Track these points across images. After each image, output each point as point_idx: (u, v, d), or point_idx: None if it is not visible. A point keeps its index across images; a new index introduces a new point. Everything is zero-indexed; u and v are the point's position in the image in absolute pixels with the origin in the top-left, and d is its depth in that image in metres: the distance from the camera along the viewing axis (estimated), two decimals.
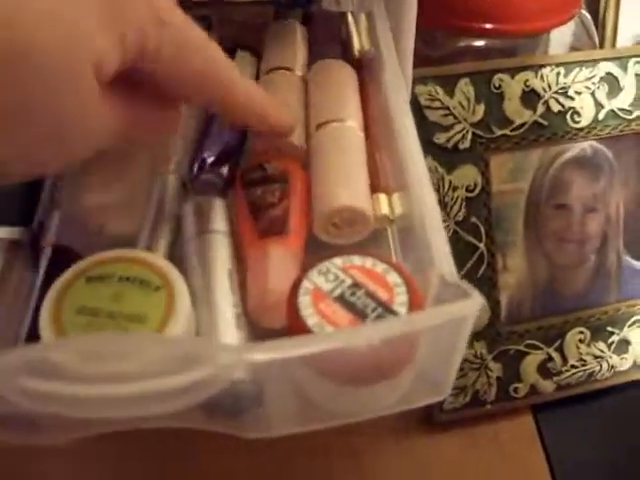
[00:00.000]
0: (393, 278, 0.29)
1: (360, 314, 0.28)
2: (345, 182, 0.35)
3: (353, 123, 0.38)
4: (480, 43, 0.60)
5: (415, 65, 0.50)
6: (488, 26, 0.57)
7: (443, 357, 0.29)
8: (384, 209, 0.36)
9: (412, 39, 0.43)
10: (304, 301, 0.28)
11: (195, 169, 0.38)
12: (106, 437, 0.30)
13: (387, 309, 0.28)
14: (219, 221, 0.35)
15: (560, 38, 0.66)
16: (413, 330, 0.26)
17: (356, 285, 0.28)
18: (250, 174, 0.36)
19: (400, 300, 0.28)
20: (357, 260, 0.29)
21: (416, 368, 0.29)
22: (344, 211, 0.34)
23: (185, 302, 0.31)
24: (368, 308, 0.28)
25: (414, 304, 0.28)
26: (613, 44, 0.63)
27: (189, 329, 0.31)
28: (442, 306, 0.26)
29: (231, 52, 0.45)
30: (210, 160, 0.37)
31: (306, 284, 0.29)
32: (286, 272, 0.32)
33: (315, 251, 0.34)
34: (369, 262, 0.29)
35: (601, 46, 0.63)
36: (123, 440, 0.50)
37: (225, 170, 0.37)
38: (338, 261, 0.29)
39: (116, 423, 0.29)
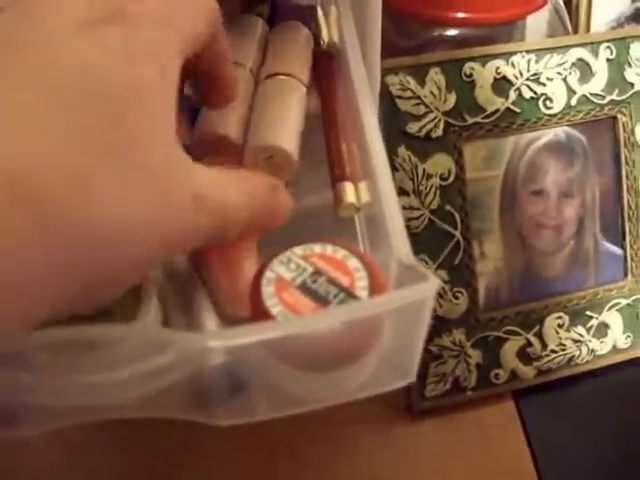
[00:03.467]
0: (353, 264, 0.29)
1: (322, 301, 0.28)
2: (276, 125, 0.36)
3: (297, 78, 0.39)
4: (454, 32, 0.61)
5: (390, 55, 0.50)
6: (461, 15, 0.57)
7: (406, 341, 0.29)
8: (350, 197, 0.36)
9: (378, 30, 0.43)
10: (267, 291, 0.28)
11: None
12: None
13: (349, 294, 0.28)
14: None
15: (535, 27, 0.66)
16: (371, 314, 0.26)
17: (317, 273, 0.29)
18: None
19: (361, 285, 0.28)
20: (317, 248, 0.30)
21: (380, 352, 0.29)
22: (270, 150, 0.35)
23: (152, 293, 0.31)
24: (330, 294, 0.28)
25: (375, 288, 0.28)
26: (587, 31, 0.64)
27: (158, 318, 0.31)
28: (400, 290, 0.27)
29: None
30: None
31: (268, 274, 0.29)
32: (250, 263, 0.32)
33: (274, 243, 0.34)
34: (329, 249, 0.29)
35: (575, 32, 0.64)
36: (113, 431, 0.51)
37: None
38: (299, 250, 0.29)
39: (93, 412, 0.29)
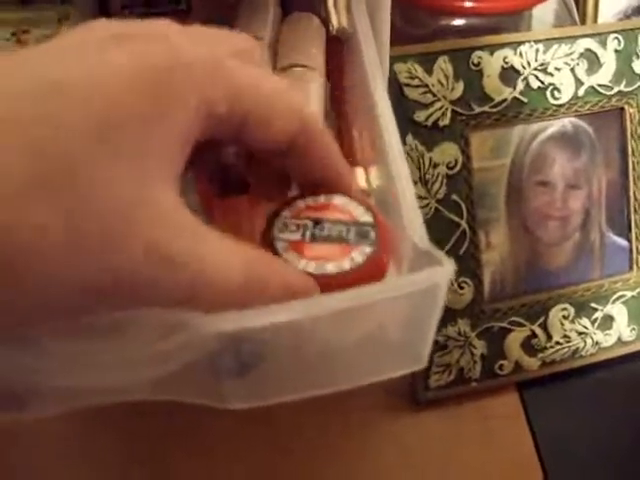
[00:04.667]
0: (339, 200, 0.29)
1: (340, 240, 0.28)
2: None
3: (316, 70, 0.39)
4: (462, 22, 0.61)
5: (398, 43, 0.50)
6: (468, 4, 0.57)
7: (419, 325, 0.29)
8: (361, 182, 0.36)
9: (388, 17, 0.43)
10: (289, 257, 0.28)
11: None
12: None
13: (357, 224, 0.28)
14: None
15: (542, 17, 0.66)
16: (387, 298, 0.26)
17: (317, 222, 0.29)
18: None
19: (359, 212, 0.28)
20: (300, 203, 0.29)
21: (393, 335, 0.29)
22: None
23: None
24: (343, 233, 0.28)
25: (373, 211, 0.28)
26: (594, 22, 0.64)
27: None
28: (415, 274, 0.26)
29: None
30: None
31: (279, 244, 0.29)
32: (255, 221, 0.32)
33: None
34: (310, 200, 0.29)
35: (582, 23, 0.63)
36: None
37: None
38: (287, 213, 0.29)
39: (104, 394, 0.29)
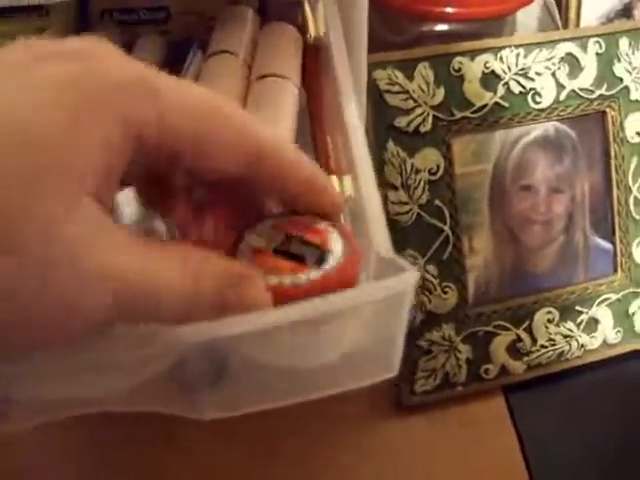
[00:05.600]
0: (322, 225, 0.29)
1: (299, 260, 0.28)
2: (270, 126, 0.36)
3: (290, 80, 0.39)
4: (444, 27, 0.61)
5: (379, 50, 0.50)
6: (450, 10, 0.57)
7: (386, 332, 0.29)
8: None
9: (364, 24, 0.43)
10: (243, 259, 0.29)
11: None
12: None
13: (323, 250, 0.28)
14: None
15: (525, 22, 0.66)
16: (353, 306, 0.26)
17: (288, 237, 0.29)
18: None
19: (333, 240, 0.28)
20: (284, 218, 0.30)
21: (362, 344, 0.29)
22: None
23: None
24: (305, 253, 0.28)
25: (348, 243, 0.28)
26: (577, 26, 0.64)
27: None
28: (379, 281, 0.27)
29: (189, 42, 0.46)
30: None
31: (241, 246, 0.29)
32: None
33: None
34: (296, 216, 0.30)
35: (565, 28, 0.64)
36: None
37: None
38: (267, 221, 0.30)
39: (79, 406, 0.29)
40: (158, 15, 0.47)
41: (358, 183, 0.31)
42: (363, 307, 0.27)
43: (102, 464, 0.53)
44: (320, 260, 0.29)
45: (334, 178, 0.37)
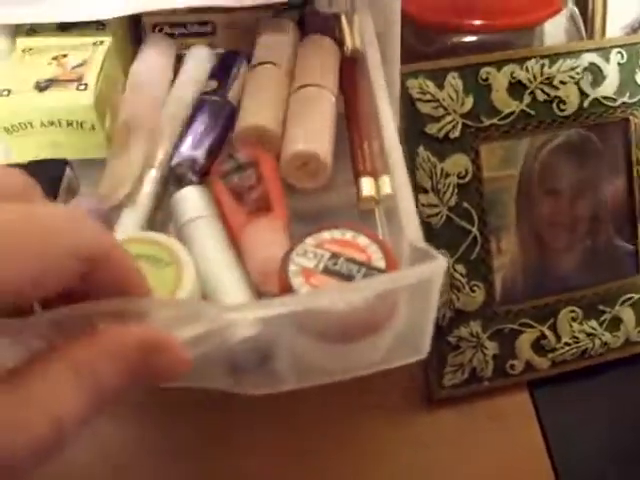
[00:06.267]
0: (363, 241, 0.32)
1: (347, 278, 0.31)
2: (311, 133, 0.39)
3: (327, 89, 0.42)
4: (473, 38, 0.64)
5: (409, 60, 0.53)
6: (477, 23, 0.60)
7: (417, 317, 0.32)
8: (370, 191, 0.40)
9: (398, 37, 0.46)
10: (297, 282, 0.32)
11: (173, 163, 0.42)
12: None
13: (369, 267, 0.31)
14: (206, 207, 0.39)
15: (552, 33, 0.69)
16: (387, 289, 0.29)
17: (334, 256, 0.32)
18: (223, 165, 0.40)
19: (376, 257, 0.31)
20: (326, 234, 0.33)
21: (395, 327, 0.32)
22: (301, 155, 0.39)
23: (191, 274, 0.34)
24: (353, 271, 0.31)
25: (389, 259, 0.31)
26: (602, 36, 0.66)
27: (195, 295, 0.34)
28: (413, 267, 0.30)
29: (234, 54, 0.49)
30: (186, 154, 0.41)
31: (292, 268, 0.32)
32: (279, 242, 0.35)
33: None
34: (337, 233, 0.33)
35: (590, 37, 0.66)
36: None
37: (200, 162, 0.41)
38: (310, 240, 0.33)
39: None
40: (205, 29, 0.51)
41: (393, 182, 0.35)
42: (399, 292, 0.30)
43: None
44: (367, 276, 0.32)
45: (368, 179, 0.40)
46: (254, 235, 0.36)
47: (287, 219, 0.38)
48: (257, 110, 0.43)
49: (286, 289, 0.31)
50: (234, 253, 0.37)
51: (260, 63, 0.47)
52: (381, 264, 0.31)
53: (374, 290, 0.29)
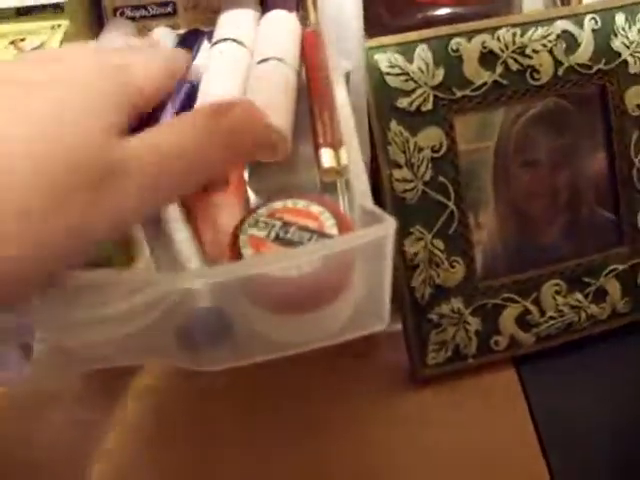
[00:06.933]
0: (315, 209, 0.31)
1: (298, 246, 0.30)
2: (266, 107, 0.38)
3: (286, 62, 0.42)
4: (448, 11, 0.63)
5: (381, 35, 0.53)
6: None
7: (373, 282, 0.31)
8: (331, 162, 0.39)
9: (358, 9, 0.45)
10: (247, 252, 0.31)
11: None
12: None
13: (320, 234, 0.30)
14: None
15: (530, 3, 0.68)
16: (335, 252, 0.28)
17: (286, 224, 0.31)
18: None
19: (329, 224, 0.31)
20: (279, 204, 0.32)
21: (352, 295, 0.31)
22: None
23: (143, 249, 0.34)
24: (304, 239, 0.31)
25: (342, 225, 0.30)
26: (580, 3, 0.65)
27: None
28: (361, 229, 0.29)
29: (195, 34, 0.48)
30: None
31: (242, 237, 0.31)
32: (234, 216, 0.34)
33: None
34: (290, 203, 0.32)
35: (569, 4, 0.65)
36: None
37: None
38: (262, 211, 0.32)
39: (85, 362, 0.32)
40: (166, 9, 0.50)
41: (348, 153, 0.34)
42: (351, 256, 0.29)
43: None
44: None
45: (329, 150, 0.39)
46: (209, 210, 0.36)
47: (244, 194, 0.38)
48: (218, 85, 0.43)
49: (236, 259, 0.31)
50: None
51: (221, 40, 0.46)
52: (334, 231, 0.31)
53: (319, 254, 0.28)
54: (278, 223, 0.31)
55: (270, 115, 0.39)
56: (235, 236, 0.31)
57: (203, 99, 0.42)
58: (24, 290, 0.25)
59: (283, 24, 0.47)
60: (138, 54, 0.34)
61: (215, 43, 0.46)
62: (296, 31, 0.47)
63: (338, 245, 0.28)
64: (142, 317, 0.28)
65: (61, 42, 0.45)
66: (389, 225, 0.28)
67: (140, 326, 0.29)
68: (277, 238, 0.31)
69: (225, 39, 0.46)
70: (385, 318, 0.33)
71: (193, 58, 0.46)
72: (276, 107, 0.41)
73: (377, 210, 0.29)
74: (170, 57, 0.37)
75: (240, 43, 0.46)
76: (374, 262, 0.30)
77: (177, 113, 0.42)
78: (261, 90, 0.42)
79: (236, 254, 0.31)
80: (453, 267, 0.55)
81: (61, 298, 0.28)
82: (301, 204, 0.32)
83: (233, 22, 0.48)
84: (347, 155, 0.36)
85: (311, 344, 0.33)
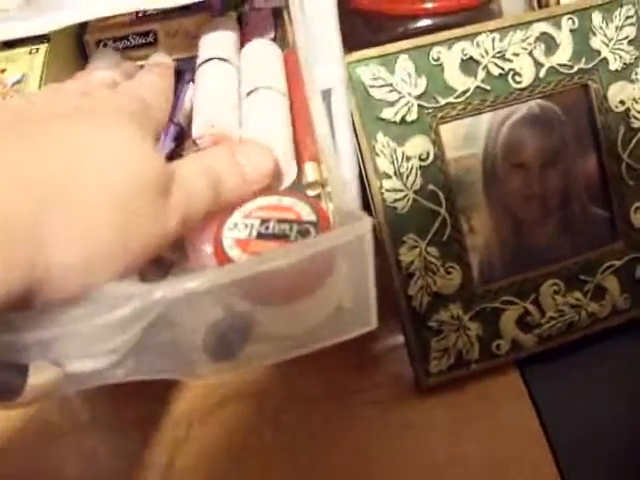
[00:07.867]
0: (288, 201, 0.32)
1: (283, 238, 0.31)
2: (267, 136, 0.39)
3: (275, 89, 0.42)
4: (428, 22, 0.64)
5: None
6: (428, 5, 0.60)
7: (357, 283, 0.31)
8: (314, 176, 0.40)
9: (333, 26, 0.46)
10: (235, 254, 0.31)
11: None
12: None
13: (300, 222, 0.31)
14: None
15: (510, 9, 0.69)
16: (312, 253, 0.29)
17: (265, 221, 0.32)
18: (188, 151, 0.40)
19: (305, 212, 0.32)
20: (252, 204, 0.33)
21: (333, 293, 0.32)
22: None
23: None
24: (286, 230, 0.31)
25: (319, 211, 0.31)
26: (558, 4, 0.66)
27: None
28: (338, 228, 0.29)
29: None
30: None
31: (226, 242, 0.32)
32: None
33: None
34: (262, 201, 0.33)
35: (546, 7, 0.65)
36: None
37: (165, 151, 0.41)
38: (237, 214, 0.33)
39: (76, 381, 0.32)
40: (147, 39, 0.51)
41: (327, 165, 0.35)
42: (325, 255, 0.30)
43: None
44: (303, 232, 0.31)
45: (312, 164, 0.40)
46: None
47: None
48: (212, 110, 0.43)
49: (226, 262, 0.31)
50: None
51: (206, 60, 0.47)
52: (312, 217, 0.32)
53: (302, 253, 0.29)
54: (257, 222, 0.32)
55: (274, 149, 0.40)
56: (218, 243, 0.32)
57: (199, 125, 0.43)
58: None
59: (264, 52, 0.48)
60: (148, 89, 0.38)
61: (201, 64, 0.47)
62: (278, 56, 0.48)
63: (314, 246, 0.29)
64: (129, 329, 0.29)
65: (43, 66, 0.46)
66: (367, 223, 0.29)
67: (128, 340, 0.29)
68: (260, 235, 0.32)
69: (211, 58, 0.47)
70: (373, 322, 0.33)
71: (177, 98, 0.47)
72: (278, 138, 0.41)
73: (356, 211, 0.29)
74: (167, 86, 0.42)
75: (226, 61, 0.47)
76: (355, 262, 0.30)
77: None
78: (257, 124, 0.42)
79: (224, 258, 0.31)
80: (449, 273, 0.55)
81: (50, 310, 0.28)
82: (273, 200, 0.33)
83: (215, 42, 0.49)
84: (327, 167, 0.37)
85: (307, 344, 0.33)
